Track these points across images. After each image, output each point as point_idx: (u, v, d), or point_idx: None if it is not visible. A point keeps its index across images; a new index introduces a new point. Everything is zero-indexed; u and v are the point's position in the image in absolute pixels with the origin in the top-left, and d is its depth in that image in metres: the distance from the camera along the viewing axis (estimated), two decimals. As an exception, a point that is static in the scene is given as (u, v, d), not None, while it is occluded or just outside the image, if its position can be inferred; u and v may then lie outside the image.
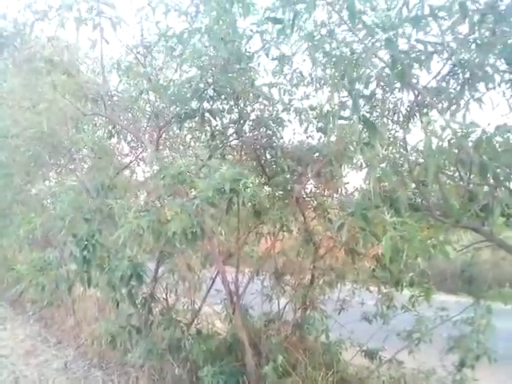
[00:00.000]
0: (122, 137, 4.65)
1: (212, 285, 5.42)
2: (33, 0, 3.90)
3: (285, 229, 4.05)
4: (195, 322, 4.58)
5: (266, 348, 3.97)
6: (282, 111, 3.65)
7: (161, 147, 4.07)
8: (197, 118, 3.45)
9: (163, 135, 4.06)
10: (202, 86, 3.15)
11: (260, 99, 3.65)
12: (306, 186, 4.23)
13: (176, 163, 3.06)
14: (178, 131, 4.23)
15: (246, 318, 4.40)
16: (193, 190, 2.98)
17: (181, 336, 4.07)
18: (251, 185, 2.48)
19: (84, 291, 4.26)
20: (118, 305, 4.49)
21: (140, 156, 5.23)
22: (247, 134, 3.68)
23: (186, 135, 4.52)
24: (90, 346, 6.69)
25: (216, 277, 5.49)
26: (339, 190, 4.28)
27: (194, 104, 3.33)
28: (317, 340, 4.59)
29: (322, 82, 3.63)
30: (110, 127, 5.05)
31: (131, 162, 5.65)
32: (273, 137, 3.68)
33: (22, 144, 6.95)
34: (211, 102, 3.22)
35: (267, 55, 3.41)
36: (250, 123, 3.73)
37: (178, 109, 3.42)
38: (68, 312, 8.09)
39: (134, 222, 2.83)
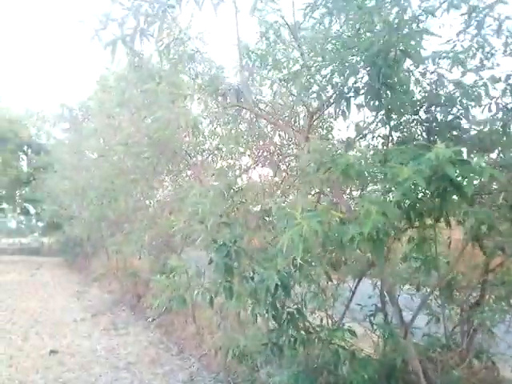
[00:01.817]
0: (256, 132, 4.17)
1: (352, 298, 4.75)
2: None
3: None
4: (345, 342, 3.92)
5: (446, 381, 3.19)
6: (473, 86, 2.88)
7: (311, 136, 3.50)
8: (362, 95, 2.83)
9: (315, 122, 3.51)
10: (374, 50, 2.52)
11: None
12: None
13: (343, 153, 2.46)
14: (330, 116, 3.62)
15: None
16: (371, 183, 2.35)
17: (334, 359, 3.45)
18: (480, 169, 1.79)
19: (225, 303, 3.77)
20: (256, 319, 4.01)
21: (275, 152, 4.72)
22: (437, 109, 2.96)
23: (336, 118, 3.88)
24: (214, 358, 6.38)
25: (356, 289, 4.83)
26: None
27: (365, 74, 2.71)
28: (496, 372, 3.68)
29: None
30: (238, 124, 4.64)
31: (257, 161, 5.22)
32: (462, 115, 2.94)
33: (142, 151, 6.97)
34: (383, 72, 2.58)
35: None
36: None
37: (340, 84, 2.84)
38: (188, 319, 7.94)
39: (304, 224, 2.26)
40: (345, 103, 2.88)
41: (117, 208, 7.50)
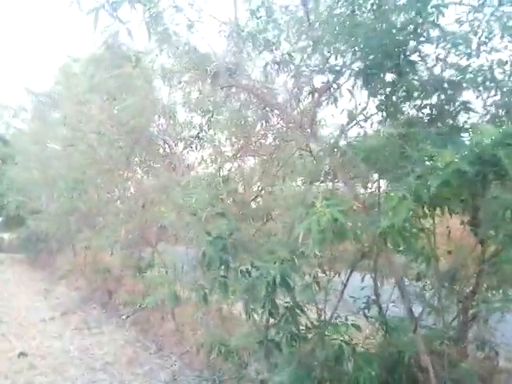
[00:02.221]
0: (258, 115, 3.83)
1: (343, 290, 4.59)
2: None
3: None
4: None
5: (455, 375, 3.06)
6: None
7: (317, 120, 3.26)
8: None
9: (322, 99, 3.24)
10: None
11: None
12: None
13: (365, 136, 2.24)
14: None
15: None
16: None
17: (338, 355, 3.26)
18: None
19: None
20: (250, 315, 3.77)
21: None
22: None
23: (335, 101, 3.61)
24: (196, 355, 6.10)
25: (348, 281, 4.67)
26: None
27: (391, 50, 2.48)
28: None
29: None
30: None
31: (242, 148, 4.94)
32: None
33: (116, 139, 6.54)
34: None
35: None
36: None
37: (359, 60, 2.61)
38: (165, 316, 7.61)
39: (325, 212, 2.03)
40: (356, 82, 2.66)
41: (88, 200, 7.04)
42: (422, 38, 2.59)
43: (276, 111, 3.79)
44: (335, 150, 2.53)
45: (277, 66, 3.41)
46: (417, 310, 4.15)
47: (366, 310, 4.32)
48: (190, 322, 6.82)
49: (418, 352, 3.06)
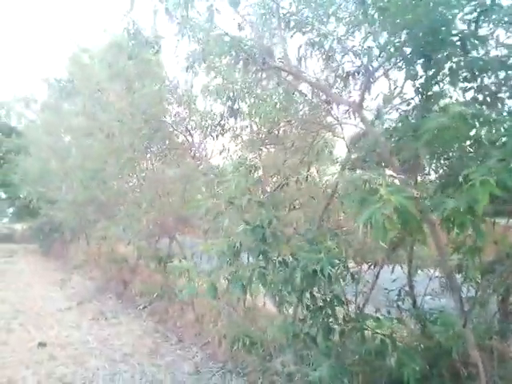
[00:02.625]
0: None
1: (375, 282, 4.44)
2: None
3: None
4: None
5: (504, 372, 2.92)
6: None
7: (366, 105, 3.08)
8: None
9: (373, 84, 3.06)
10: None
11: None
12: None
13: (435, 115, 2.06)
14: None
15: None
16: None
17: (381, 350, 3.13)
18: None
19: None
20: (284, 308, 3.64)
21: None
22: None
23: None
24: (218, 347, 6.01)
25: (379, 273, 4.52)
26: None
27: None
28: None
29: None
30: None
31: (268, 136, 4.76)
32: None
33: (139, 128, 6.39)
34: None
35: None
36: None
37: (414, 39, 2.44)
38: (183, 306, 7.52)
39: (392, 199, 1.88)
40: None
41: (107, 190, 6.92)
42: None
43: (317, 95, 3.61)
44: (392, 133, 2.36)
45: (318, 48, 3.24)
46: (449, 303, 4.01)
47: (400, 303, 4.18)
48: (210, 313, 6.73)
49: (465, 347, 2.90)
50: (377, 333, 3.18)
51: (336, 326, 3.33)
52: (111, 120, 6.57)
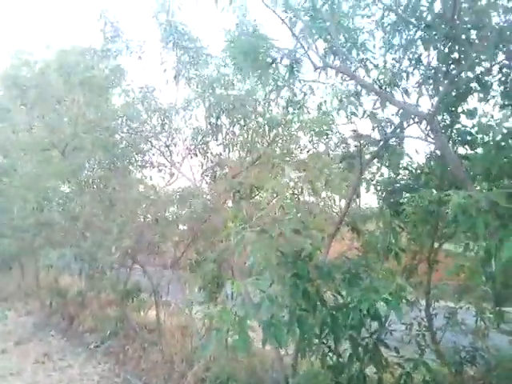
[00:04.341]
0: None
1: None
2: None
3: None
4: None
5: None
6: None
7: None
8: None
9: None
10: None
11: None
12: None
13: None
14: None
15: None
16: None
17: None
18: None
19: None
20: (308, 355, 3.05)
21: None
22: None
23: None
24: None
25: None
26: None
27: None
28: None
29: None
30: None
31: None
32: None
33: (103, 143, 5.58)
34: None
35: None
36: None
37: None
38: (145, 345, 6.59)
39: None
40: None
41: (64, 212, 5.91)
42: None
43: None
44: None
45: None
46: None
47: (420, 338, 3.76)
48: (181, 353, 5.91)
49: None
50: (426, 380, 2.71)
51: (378, 373, 2.81)
52: (70, 134, 5.71)
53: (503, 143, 2.17)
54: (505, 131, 2.15)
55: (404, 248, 3.59)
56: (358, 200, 5.13)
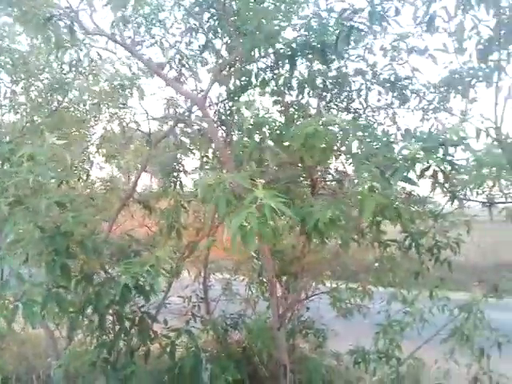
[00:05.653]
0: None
1: (168, 290, 4.05)
2: None
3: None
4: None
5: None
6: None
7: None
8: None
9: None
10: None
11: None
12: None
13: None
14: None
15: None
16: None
17: (195, 366, 2.78)
18: None
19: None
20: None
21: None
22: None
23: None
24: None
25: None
26: None
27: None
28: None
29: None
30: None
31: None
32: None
33: None
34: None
35: None
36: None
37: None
38: None
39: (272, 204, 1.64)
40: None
41: None
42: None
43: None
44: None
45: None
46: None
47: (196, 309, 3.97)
48: None
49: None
50: (190, 347, 2.87)
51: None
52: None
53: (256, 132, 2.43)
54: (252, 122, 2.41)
55: (185, 226, 3.72)
56: (152, 178, 5.11)
